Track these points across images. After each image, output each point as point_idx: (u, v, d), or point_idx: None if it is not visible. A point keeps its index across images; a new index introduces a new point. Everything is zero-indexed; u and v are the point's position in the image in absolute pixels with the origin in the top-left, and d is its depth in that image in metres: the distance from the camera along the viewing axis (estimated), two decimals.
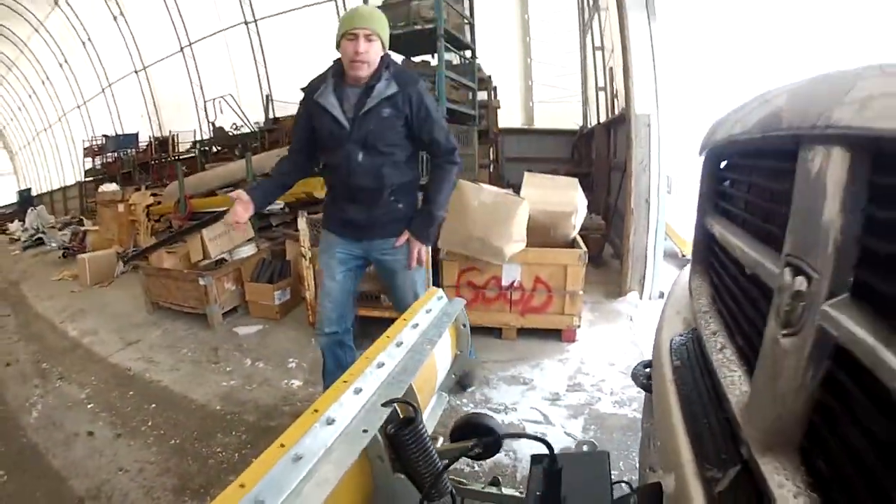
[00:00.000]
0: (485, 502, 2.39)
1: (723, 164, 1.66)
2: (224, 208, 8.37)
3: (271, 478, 1.49)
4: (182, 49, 24.87)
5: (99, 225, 14.02)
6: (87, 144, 29.29)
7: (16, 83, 40.71)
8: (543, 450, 1.64)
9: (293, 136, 4.01)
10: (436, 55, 9.08)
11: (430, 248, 4.03)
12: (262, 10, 21.00)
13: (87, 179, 29.02)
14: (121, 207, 12.74)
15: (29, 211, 24.33)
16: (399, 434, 1.94)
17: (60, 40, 32.14)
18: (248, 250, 7.84)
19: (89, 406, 5.29)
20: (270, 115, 16.01)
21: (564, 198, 6.10)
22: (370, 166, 3.60)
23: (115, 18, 26.87)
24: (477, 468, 3.55)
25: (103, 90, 31.40)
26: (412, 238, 3.81)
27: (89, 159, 28.82)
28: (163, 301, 7.66)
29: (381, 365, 2.19)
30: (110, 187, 15.82)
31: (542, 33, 16.59)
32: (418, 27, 8.87)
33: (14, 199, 39.66)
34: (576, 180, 6.51)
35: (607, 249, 9.39)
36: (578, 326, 5.78)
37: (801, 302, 0.84)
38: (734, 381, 1.14)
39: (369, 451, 1.87)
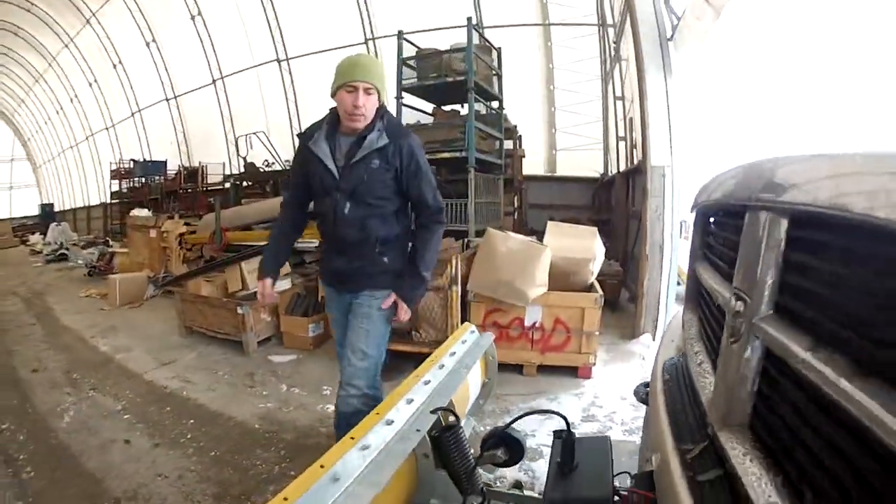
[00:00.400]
0: (508, 502, 2.76)
1: (711, 220, 2.05)
2: (262, 243, 8.80)
3: (344, 462, 1.91)
4: (214, 82, 25.16)
5: (128, 248, 14.50)
6: (114, 167, 29.69)
7: (42, 97, 41.04)
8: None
9: (290, 186, 4.00)
10: (465, 105, 9.42)
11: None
12: (295, 50, 21.46)
13: (113, 201, 29.51)
14: (153, 233, 13.18)
15: (52, 226, 24.80)
16: (442, 436, 2.40)
17: (91, 59, 32.58)
18: (284, 285, 8.11)
19: (125, 417, 5.52)
20: None
21: (584, 246, 6.50)
22: (356, 217, 3.53)
23: (147, 44, 27.22)
24: (499, 484, 3.77)
25: (133, 115, 31.62)
26: (399, 300, 3.66)
27: (116, 182, 29.22)
28: (197, 326, 8.04)
29: (427, 382, 2.71)
30: (142, 212, 16.30)
31: (565, 82, 16.87)
32: (450, 79, 9.26)
33: (35, 211, 40.22)
34: (595, 230, 6.94)
35: (623, 294, 9.67)
36: (594, 364, 6.12)
37: (741, 318, 1.24)
38: (706, 385, 1.54)
39: (417, 448, 2.28)
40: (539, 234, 6.95)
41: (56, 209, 40.98)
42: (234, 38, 23.09)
